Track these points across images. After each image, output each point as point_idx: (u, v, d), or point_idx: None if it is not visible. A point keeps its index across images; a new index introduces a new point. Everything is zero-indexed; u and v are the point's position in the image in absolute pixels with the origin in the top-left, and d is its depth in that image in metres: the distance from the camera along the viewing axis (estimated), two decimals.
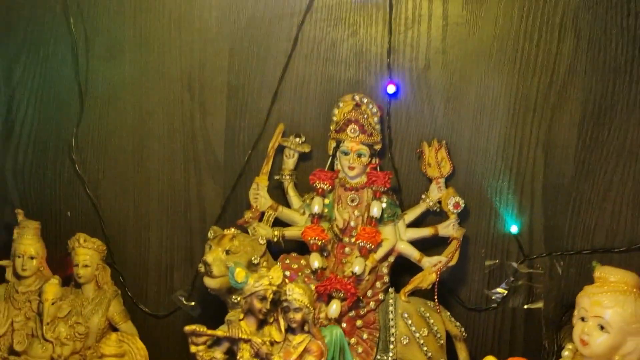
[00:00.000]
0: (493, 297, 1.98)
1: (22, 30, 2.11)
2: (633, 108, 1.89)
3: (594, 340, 1.57)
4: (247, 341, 1.64)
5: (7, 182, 2.18)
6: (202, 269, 1.79)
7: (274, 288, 1.63)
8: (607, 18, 1.87)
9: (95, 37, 2.11)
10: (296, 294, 1.62)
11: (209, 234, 1.85)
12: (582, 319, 1.59)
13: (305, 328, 1.65)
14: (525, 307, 1.96)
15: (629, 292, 1.58)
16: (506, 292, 1.97)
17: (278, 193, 2.00)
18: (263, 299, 1.63)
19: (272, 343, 1.65)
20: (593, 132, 1.92)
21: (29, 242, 1.98)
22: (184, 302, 2.02)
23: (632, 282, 1.60)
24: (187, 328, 1.63)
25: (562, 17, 1.91)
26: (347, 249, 1.91)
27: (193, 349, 1.64)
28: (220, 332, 1.64)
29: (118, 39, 2.10)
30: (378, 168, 1.93)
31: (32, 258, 1.97)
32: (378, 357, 1.89)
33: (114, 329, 1.99)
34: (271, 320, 1.67)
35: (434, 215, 1.95)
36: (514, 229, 1.96)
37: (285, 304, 1.63)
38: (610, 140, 1.91)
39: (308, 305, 1.64)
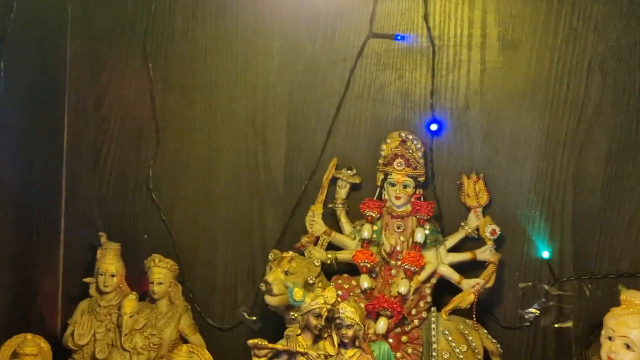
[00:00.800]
0: (526, 317, 1.96)
1: (107, 73, 2.14)
2: None
3: (620, 358, 1.57)
4: (304, 354, 1.63)
5: (92, 208, 2.19)
6: (263, 287, 1.80)
7: (329, 306, 1.63)
8: (631, 62, 1.86)
9: (170, 79, 2.13)
10: (348, 312, 1.62)
11: (270, 256, 1.86)
12: (610, 338, 1.59)
13: (356, 343, 1.64)
14: (556, 326, 1.95)
15: None
16: (538, 312, 1.95)
17: (331, 220, 2.00)
18: (318, 316, 1.62)
19: (326, 356, 1.64)
20: (618, 167, 1.90)
21: (110, 262, 2.01)
22: (247, 317, 2.03)
23: None
24: (250, 342, 1.63)
25: (590, 62, 1.88)
26: (393, 271, 1.90)
27: (255, 358, 1.63)
28: (279, 345, 1.64)
29: (190, 81, 2.11)
30: (422, 198, 1.93)
31: (112, 276, 1.99)
32: None
33: (184, 340, 1.98)
34: (325, 335, 1.66)
35: (472, 241, 1.94)
36: (546, 254, 1.95)
37: (338, 321, 1.63)
38: (634, 173, 1.89)
39: (359, 322, 1.63)
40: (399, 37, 1.98)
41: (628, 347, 1.57)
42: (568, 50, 1.90)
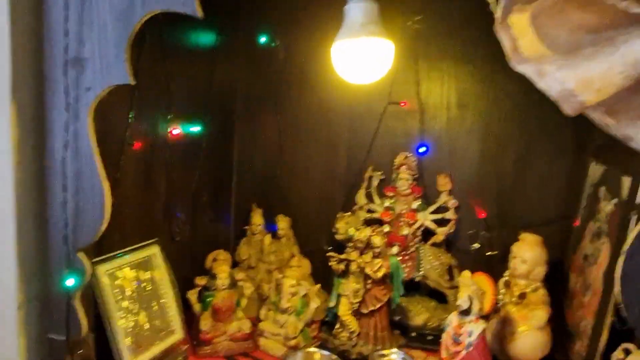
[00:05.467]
0: (472, 247, 2.26)
1: (257, 119, 2.47)
2: (540, 149, 2.15)
3: (519, 268, 1.85)
4: (353, 261, 1.93)
5: (248, 191, 2.50)
6: (334, 230, 2.04)
7: (366, 237, 1.92)
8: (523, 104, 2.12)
9: (288, 124, 2.47)
10: (376, 240, 1.92)
11: (338, 215, 2.07)
12: (514, 258, 1.87)
13: (380, 256, 1.91)
14: (487, 253, 2.24)
15: (536, 245, 1.88)
16: (479, 245, 2.25)
17: (369, 197, 2.29)
18: (361, 242, 1.92)
19: (366, 262, 1.91)
20: (521, 166, 2.18)
21: (258, 217, 2.35)
22: (327, 247, 2.26)
23: (537, 240, 1.89)
24: (329, 254, 1.98)
25: (506, 114, 2.21)
26: (401, 224, 2.23)
27: (331, 262, 1.96)
28: (342, 256, 1.95)
29: (299, 127, 2.45)
30: (416, 185, 2.26)
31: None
32: (415, 273, 2.19)
33: None
34: (365, 252, 1.94)
35: (443, 209, 2.23)
36: (482, 215, 2.25)
37: (371, 244, 1.92)
38: (528, 170, 2.16)
39: (381, 246, 1.92)
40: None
41: (524, 262, 1.84)
42: (494, 109, 2.21)
